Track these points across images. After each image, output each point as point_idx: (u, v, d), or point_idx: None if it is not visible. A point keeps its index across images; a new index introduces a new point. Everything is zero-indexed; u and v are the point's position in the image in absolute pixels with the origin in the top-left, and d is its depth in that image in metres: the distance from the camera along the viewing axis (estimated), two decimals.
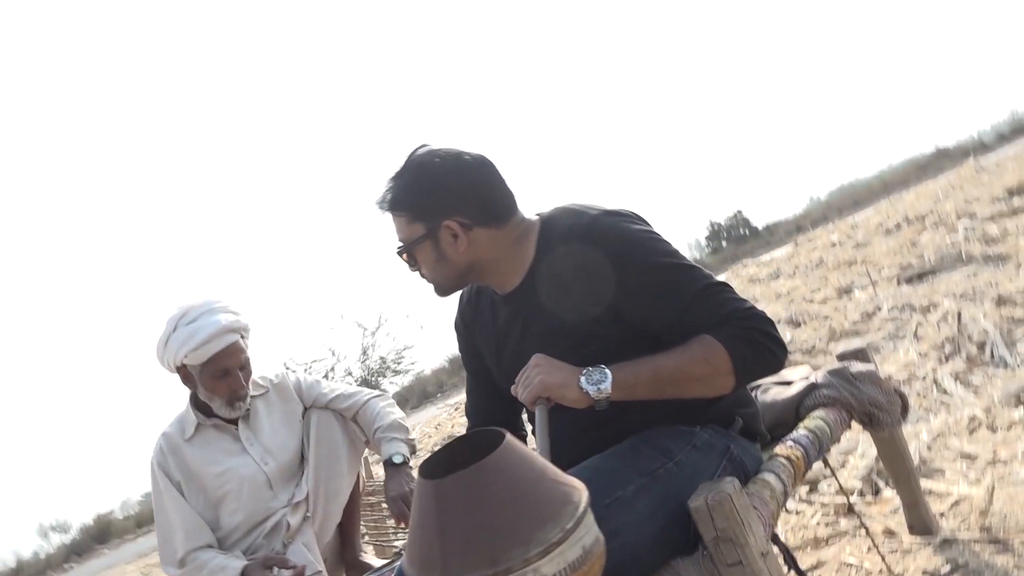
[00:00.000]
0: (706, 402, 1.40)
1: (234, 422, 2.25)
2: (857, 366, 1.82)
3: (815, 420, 1.66)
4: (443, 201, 1.42)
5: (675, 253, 1.40)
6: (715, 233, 35.80)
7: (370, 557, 2.46)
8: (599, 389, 1.29)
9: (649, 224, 1.47)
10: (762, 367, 1.35)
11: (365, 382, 18.04)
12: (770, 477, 1.39)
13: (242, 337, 2.17)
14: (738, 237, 33.94)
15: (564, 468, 1.49)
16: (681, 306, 1.33)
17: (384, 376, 19.64)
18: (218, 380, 2.15)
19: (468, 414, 1.72)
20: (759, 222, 34.61)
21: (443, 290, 1.52)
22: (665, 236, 1.44)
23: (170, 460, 2.21)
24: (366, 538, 2.84)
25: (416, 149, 1.47)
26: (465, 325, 1.67)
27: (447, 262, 1.45)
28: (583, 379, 1.30)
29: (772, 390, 1.87)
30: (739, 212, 35.73)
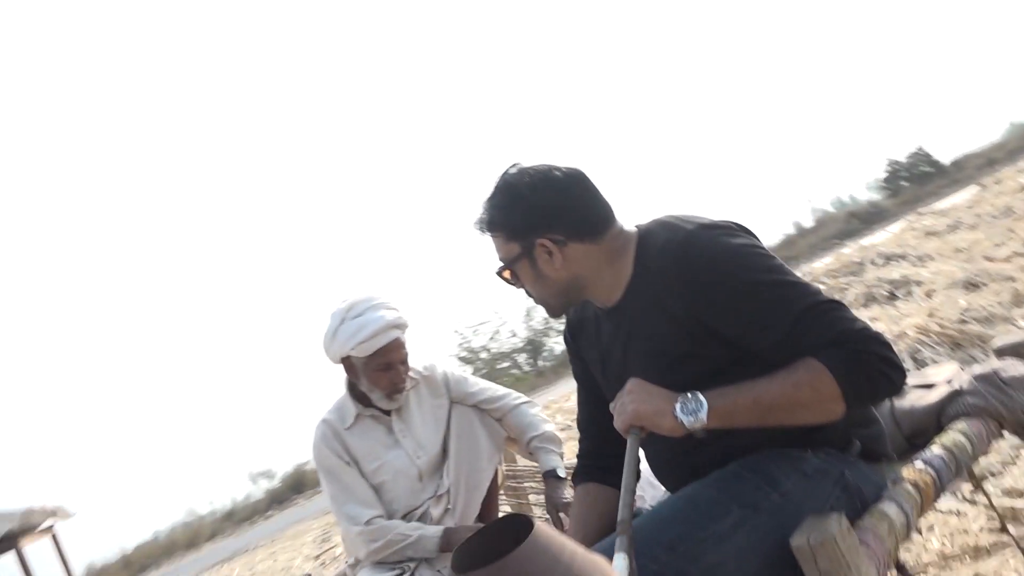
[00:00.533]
0: (817, 426, 1.32)
1: (388, 413, 2.38)
2: (1012, 369, 1.64)
3: (955, 434, 1.52)
4: (534, 219, 1.42)
5: (779, 268, 1.32)
6: (894, 174, 33.03)
7: None
8: (695, 419, 1.26)
9: (753, 235, 1.40)
10: (876, 393, 1.27)
11: (530, 342, 18.41)
12: (890, 508, 1.30)
13: (403, 333, 2.29)
14: (920, 176, 31.11)
15: (670, 489, 1.49)
16: (785, 326, 1.26)
17: (548, 336, 19.93)
18: (381, 373, 2.26)
19: (579, 427, 1.72)
20: (946, 156, 31.50)
21: (551, 309, 1.52)
22: (763, 248, 1.36)
23: (336, 444, 2.35)
24: None
25: (507, 168, 1.47)
26: (573, 337, 1.67)
27: (546, 279, 1.45)
28: (678, 408, 1.27)
29: (911, 394, 1.73)
30: (920, 148, 32.68)
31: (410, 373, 2.41)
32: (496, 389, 2.52)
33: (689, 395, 1.28)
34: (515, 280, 1.50)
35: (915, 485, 1.36)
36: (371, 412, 2.37)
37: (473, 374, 2.67)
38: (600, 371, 1.57)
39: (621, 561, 1.03)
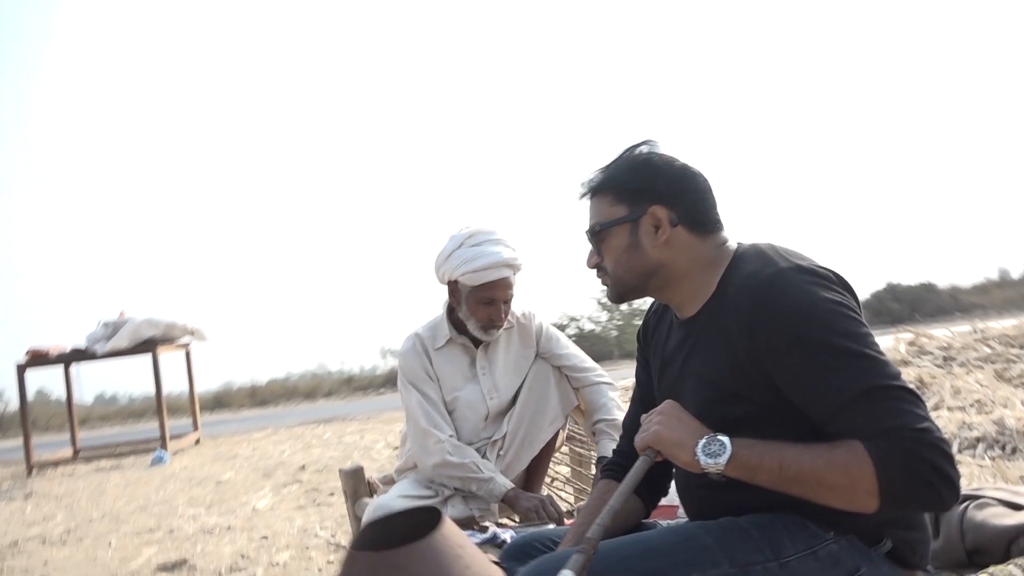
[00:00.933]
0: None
1: (476, 346, 2.43)
2: None
3: (1015, 570, 1.37)
4: (656, 187, 1.38)
5: (861, 336, 1.19)
6: None
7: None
8: (713, 462, 1.21)
9: (850, 292, 1.28)
10: (917, 501, 1.14)
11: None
12: None
13: (514, 274, 2.33)
14: None
15: (689, 515, 1.45)
16: (842, 400, 1.15)
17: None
18: (482, 305, 2.31)
19: (623, 425, 1.69)
20: None
21: (621, 287, 1.45)
22: (854, 310, 1.24)
23: (424, 358, 2.43)
24: (558, 483, 2.96)
25: (638, 144, 1.43)
26: (645, 337, 1.63)
27: (638, 253, 1.39)
28: (701, 445, 1.22)
29: (990, 508, 1.57)
30: None
31: (516, 319, 2.44)
32: (583, 359, 2.51)
33: (717, 436, 1.22)
34: (598, 247, 1.44)
35: None
36: (462, 340, 2.42)
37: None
38: (657, 378, 1.53)
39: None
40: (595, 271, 1.47)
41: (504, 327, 2.42)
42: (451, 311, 2.45)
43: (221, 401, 19.49)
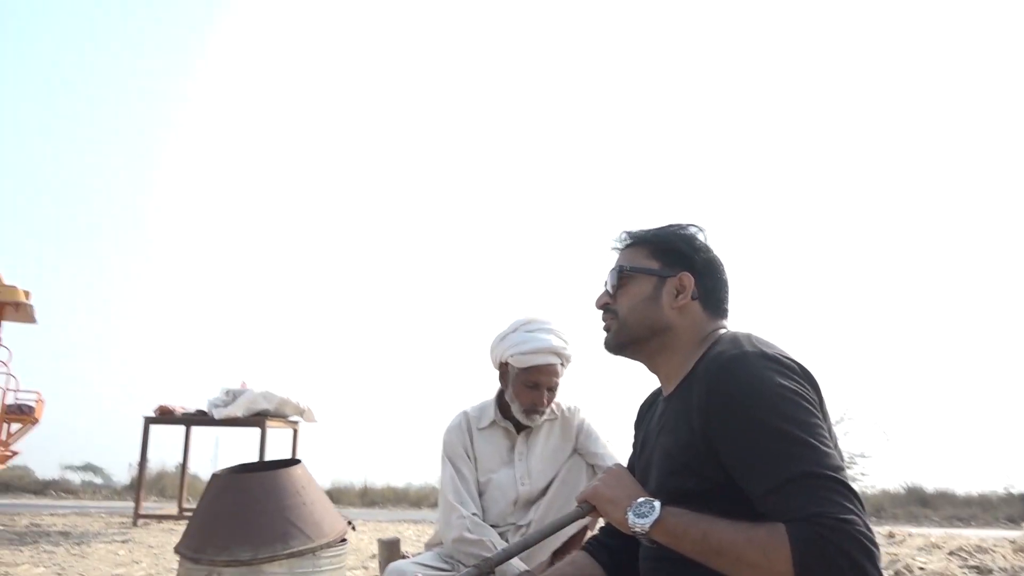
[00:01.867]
0: None
1: (519, 432, 2.53)
2: None
3: None
4: (691, 259, 1.49)
5: (808, 425, 1.22)
6: None
7: None
8: (639, 522, 1.24)
9: (811, 384, 1.31)
10: None
11: None
12: None
13: (562, 364, 2.46)
14: None
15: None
16: (773, 482, 1.18)
17: None
18: (526, 388, 2.43)
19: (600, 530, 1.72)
20: None
21: (625, 335, 1.50)
22: (810, 402, 1.26)
23: (466, 437, 2.56)
24: None
25: (686, 223, 1.56)
26: (640, 418, 1.69)
27: (655, 306, 1.47)
28: (632, 506, 1.26)
29: None
30: None
31: (554, 404, 2.53)
32: (617, 459, 2.53)
33: (651, 501, 1.26)
34: (618, 289, 1.51)
35: None
36: (505, 424, 2.53)
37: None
38: (639, 454, 1.57)
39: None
40: (602, 311, 1.55)
41: (547, 417, 2.52)
42: (500, 396, 2.56)
43: (332, 496, 19.93)
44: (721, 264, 1.51)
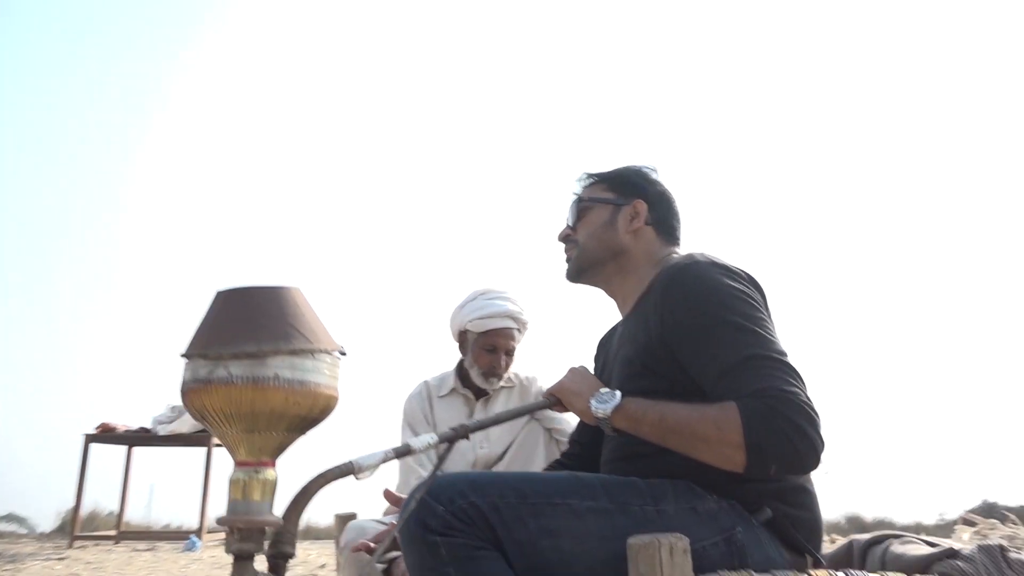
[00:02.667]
0: (740, 479, 1.31)
1: (477, 399, 2.61)
2: (1021, 554, 1.43)
3: None
4: (643, 188, 1.62)
5: (754, 318, 1.33)
6: None
7: None
8: (602, 407, 1.33)
9: (758, 290, 1.42)
10: (780, 458, 1.22)
11: None
12: None
13: (519, 330, 2.56)
14: None
15: None
16: (723, 366, 1.28)
17: None
18: (484, 353, 2.53)
19: (571, 436, 1.80)
20: None
21: (585, 260, 1.61)
22: (755, 301, 1.37)
23: (425, 404, 2.65)
24: None
25: (640, 164, 1.69)
26: (598, 351, 1.78)
27: (611, 232, 1.58)
28: (595, 395, 1.35)
29: (911, 544, 1.57)
30: None
31: (512, 374, 2.63)
32: (574, 426, 2.62)
33: (607, 390, 1.35)
34: (577, 220, 1.62)
35: None
36: (465, 392, 2.62)
37: None
38: (599, 372, 1.66)
39: (428, 437, 1.15)
40: (564, 244, 1.66)
41: (505, 384, 2.61)
42: (460, 365, 2.65)
43: None
44: (673, 197, 1.64)
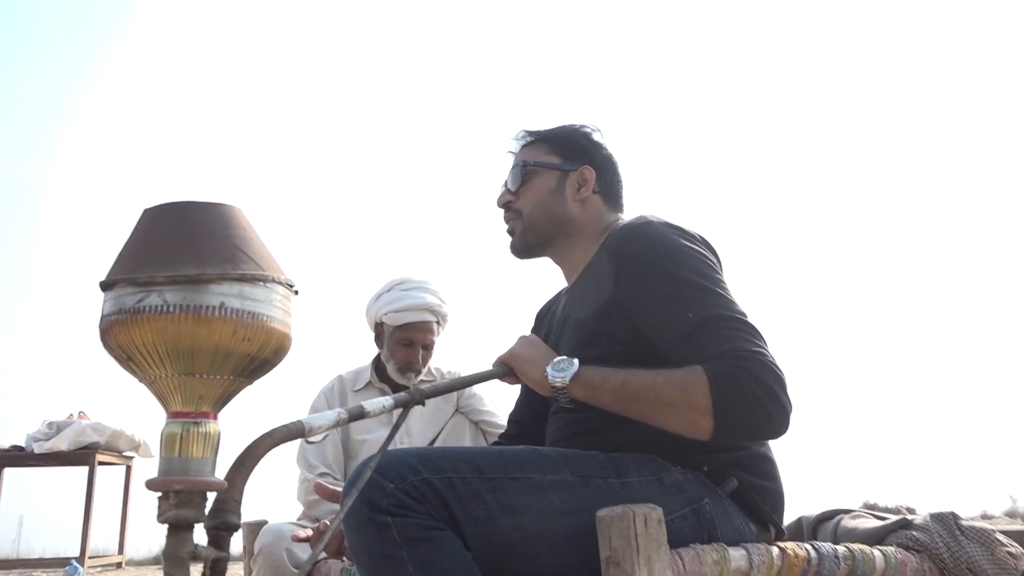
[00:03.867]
0: (703, 448, 1.24)
1: (395, 391, 2.48)
2: (977, 523, 1.43)
3: (873, 550, 1.34)
4: (591, 154, 1.52)
5: (711, 277, 1.27)
6: None
7: None
8: (560, 376, 1.24)
9: (712, 253, 1.37)
10: (748, 421, 1.15)
11: None
12: (736, 552, 1.18)
13: (437, 323, 2.44)
14: None
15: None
16: (685, 327, 1.21)
17: None
18: (401, 346, 2.41)
19: (510, 417, 1.71)
20: None
21: (531, 233, 1.50)
22: (712, 262, 1.32)
23: (336, 400, 2.51)
24: None
25: (581, 124, 1.58)
26: (539, 321, 1.69)
27: (559, 200, 1.48)
28: (551, 364, 1.26)
29: (862, 519, 1.55)
30: None
31: (433, 368, 2.51)
32: (502, 417, 2.53)
33: (564, 358, 1.27)
34: (520, 186, 1.50)
35: (783, 551, 1.22)
36: (382, 386, 2.49)
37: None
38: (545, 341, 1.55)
39: (383, 400, 1.03)
40: (504, 211, 1.54)
41: (425, 378, 2.49)
42: (377, 359, 2.53)
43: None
44: (617, 160, 1.57)
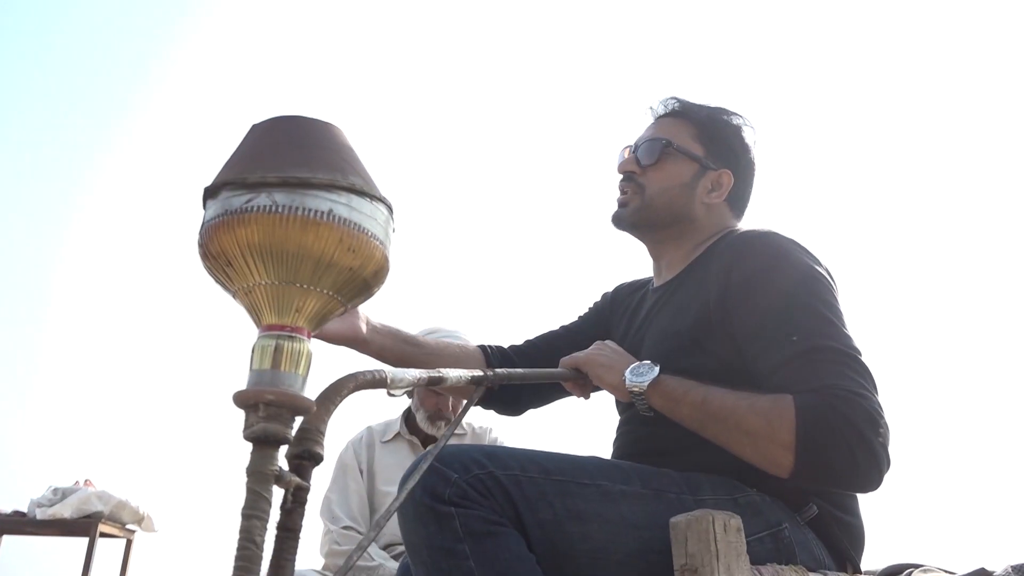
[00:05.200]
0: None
1: (426, 445, 2.44)
2: None
3: None
4: (738, 157, 1.44)
5: (827, 302, 1.19)
6: None
7: None
8: (637, 382, 1.19)
9: (831, 279, 1.27)
10: (832, 467, 1.06)
11: None
12: None
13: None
14: None
15: None
16: (789, 352, 1.13)
17: None
18: (430, 395, 2.40)
19: (523, 345, 1.63)
20: None
21: (644, 213, 1.42)
22: (834, 290, 1.23)
23: (364, 451, 2.47)
24: None
25: (736, 112, 1.50)
26: (615, 298, 1.62)
27: (686, 195, 1.39)
28: (630, 367, 1.21)
29: (934, 572, 1.45)
30: None
31: (464, 424, 2.48)
32: None
33: (646, 363, 1.22)
34: (651, 162, 1.40)
35: None
36: (411, 438, 2.46)
37: None
38: (619, 340, 1.44)
39: (462, 371, 0.99)
40: (622, 178, 1.44)
41: (457, 432, 2.44)
42: (408, 411, 2.52)
43: None
44: (757, 167, 1.49)
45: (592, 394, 1.37)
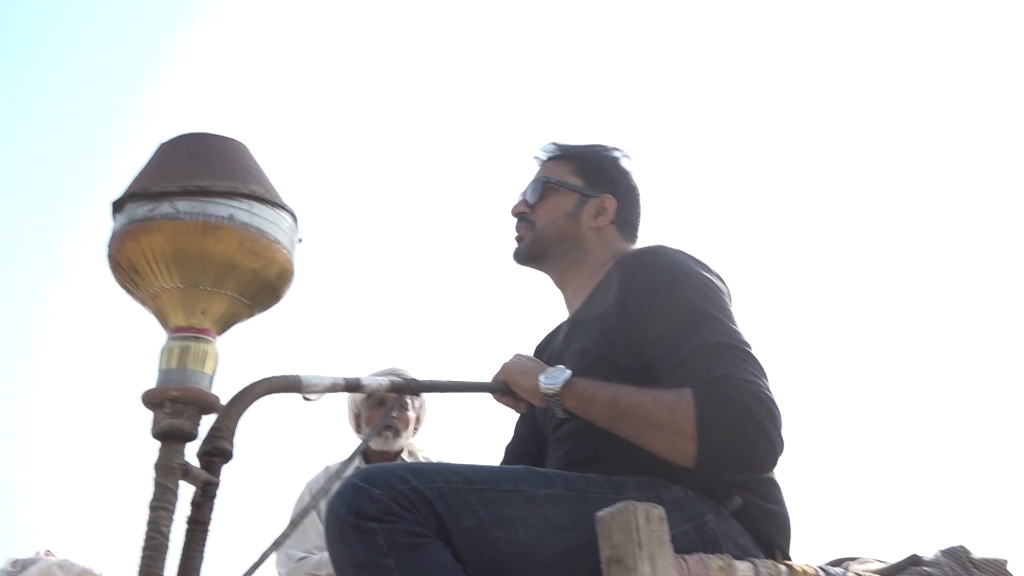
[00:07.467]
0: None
1: None
2: (986, 555, 1.38)
3: None
4: (616, 183, 1.50)
5: (719, 305, 1.25)
6: None
7: None
8: (550, 384, 1.22)
9: (723, 284, 1.34)
10: (734, 452, 1.10)
11: None
12: (742, 564, 1.13)
13: (410, 397, 2.45)
14: None
15: None
16: (684, 352, 1.18)
17: None
18: (375, 409, 2.43)
19: (505, 450, 1.66)
20: None
21: (539, 245, 1.49)
22: (724, 292, 1.30)
23: (322, 487, 2.48)
24: None
25: (612, 146, 1.57)
26: (537, 353, 1.65)
27: (572, 224, 1.46)
28: (543, 372, 1.25)
29: (870, 563, 1.49)
30: None
31: (420, 452, 2.52)
32: None
33: (559, 367, 1.25)
34: (538, 200, 1.49)
35: (791, 569, 1.17)
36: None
37: None
38: None
39: (382, 379, 1.02)
40: (517, 219, 1.52)
41: (405, 457, 2.50)
42: (367, 448, 2.52)
43: None
44: (640, 192, 1.54)
45: (527, 406, 1.40)
